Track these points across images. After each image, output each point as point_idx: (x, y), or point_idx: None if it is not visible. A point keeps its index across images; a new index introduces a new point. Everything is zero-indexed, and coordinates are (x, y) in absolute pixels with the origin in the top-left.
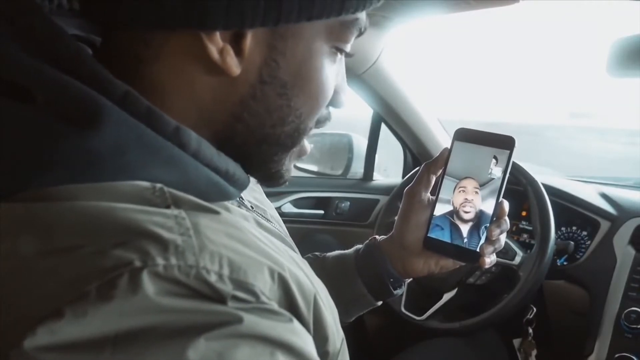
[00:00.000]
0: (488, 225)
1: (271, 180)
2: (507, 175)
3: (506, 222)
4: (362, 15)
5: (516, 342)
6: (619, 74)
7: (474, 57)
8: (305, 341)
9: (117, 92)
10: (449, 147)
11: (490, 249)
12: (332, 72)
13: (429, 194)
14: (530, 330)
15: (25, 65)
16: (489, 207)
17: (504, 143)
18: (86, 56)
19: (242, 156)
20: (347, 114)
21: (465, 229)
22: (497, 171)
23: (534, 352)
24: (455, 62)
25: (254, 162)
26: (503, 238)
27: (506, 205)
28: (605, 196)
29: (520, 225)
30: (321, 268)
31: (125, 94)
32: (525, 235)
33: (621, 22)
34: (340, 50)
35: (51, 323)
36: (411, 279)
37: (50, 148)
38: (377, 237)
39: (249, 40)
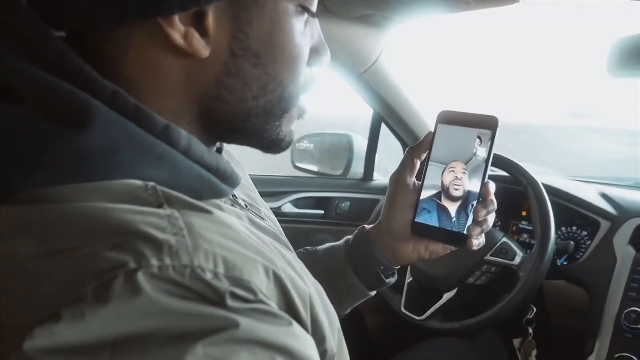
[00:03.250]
0: (474, 204)
1: (271, 147)
2: (492, 155)
3: (493, 203)
4: None
5: (516, 342)
6: (619, 74)
7: (474, 57)
8: (306, 344)
9: (105, 92)
10: (432, 131)
11: (477, 230)
12: (303, 31)
13: (414, 179)
14: (530, 330)
15: (13, 67)
16: (475, 187)
17: (488, 123)
18: (73, 57)
19: (232, 133)
20: (347, 114)
21: (452, 209)
22: (481, 151)
23: (534, 352)
24: (455, 62)
25: (247, 135)
26: (490, 218)
27: (492, 186)
28: (605, 196)
29: (520, 225)
30: (312, 261)
31: (113, 93)
32: (525, 235)
33: (621, 22)
34: (306, 10)
35: (49, 325)
36: (411, 279)
37: (41, 149)
38: (365, 226)
39: (210, 18)
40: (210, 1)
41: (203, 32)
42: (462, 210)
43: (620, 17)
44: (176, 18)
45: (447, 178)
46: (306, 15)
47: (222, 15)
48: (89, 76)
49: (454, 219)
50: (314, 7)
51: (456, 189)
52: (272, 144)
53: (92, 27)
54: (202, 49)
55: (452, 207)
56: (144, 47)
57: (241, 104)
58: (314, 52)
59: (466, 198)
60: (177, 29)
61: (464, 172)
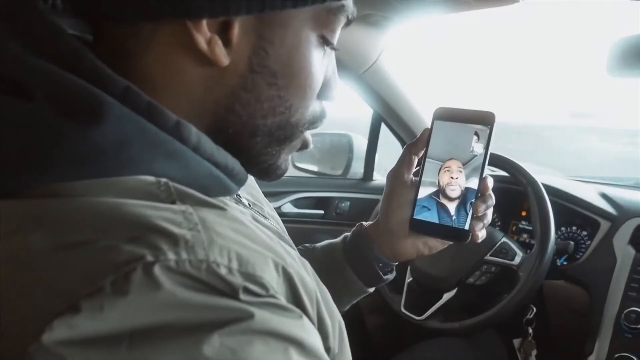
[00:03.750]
0: (474, 201)
1: (267, 174)
2: (489, 151)
3: (491, 198)
4: (349, 2)
5: (516, 342)
6: (619, 74)
7: (475, 57)
8: (315, 338)
9: (118, 88)
10: (429, 127)
11: (479, 224)
12: (320, 62)
13: (411, 176)
14: (530, 330)
15: (26, 62)
16: (473, 184)
17: (485, 119)
18: (85, 53)
19: (236, 149)
20: (347, 114)
21: (452, 207)
22: (478, 148)
23: (534, 352)
24: (455, 62)
25: (248, 154)
26: (490, 213)
27: (490, 181)
28: (605, 196)
29: (520, 225)
30: (311, 259)
31: (125, 89)
32: (525, 235)
33: (621, 22)
34: (327, 42)
35: (68, 317)
36: (411, 279)
37: (52, 145)
38: (363, 223)
39: (236, 29)
40: (239, 13)
41: (226, 42)
42: (462, 207)
43: (620, 17)
44: (204, 23)
45: (444, 179)
46: (325, 47)
47: (247, 30)
48: (102, 72)
49: (453, 217)
50: (334, 40)
51: (452, 190)
52: (268, 170)
53: (120, 19)
54: (223, 57)
55: (452, 205)
56: (167, 46)
57: (250, 120)
58: (325, 85)
59: (465, 195)
60: (203, 34)
61: (460, 171)
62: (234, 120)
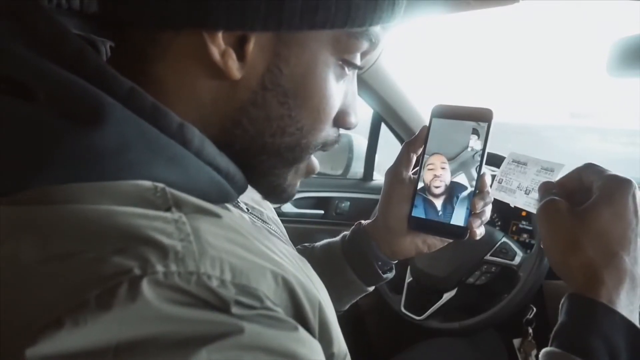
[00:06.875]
0: (460, 196)
1: (273, 194)
2: (487, 147)
3: (489, 194)
4: (373, 28)
5: (516, 342)
6: (619, 74)
7: (474, 57)
8: (312, 349)
9: (122, 89)
10: (427, 125)
11: (477, 221)
12: (338, 88)
13: (410, 174)
14: (530, 330)
15: (29, 62)
16: (461, 179)
17: (482, 116)
18: (90, 54)
19: (241, 165)
20: None
21: (438, 203)
22: (476, 144)
23: (534, 352)
24: (455, 62)
25: (254, 172)
26: (488, 210)
27: (488, 177)
28: None
29: (520, 225)
30: (310, 258)
31: (130, 90)
32: (525, 235)
33: (621, 22)
34: (349, 64)
35: (52, 332)
36: (411, 279)
37: (52, 146)
38: (362, 222)
39: (252, 45)
40: (254, 29)
41: (241, 57)
42: (448, 203)
43: (620, 17)
44: (219, 35)
45: (428, 177)
46: (346, 71)
47: (263, 46)
48: (106, 72)
49: (440, 212)
50: (357, 61)
51: (437, 187)
52: (274, 191)
53: (140, 24)
54: (235, 70)
55: (438, 202)
56: (183, 54)
57: (258, 137)
58: (343, 112)
59: (450, 192)
60: (217, 46)
61: (444, 167)
62: (241, 134)
